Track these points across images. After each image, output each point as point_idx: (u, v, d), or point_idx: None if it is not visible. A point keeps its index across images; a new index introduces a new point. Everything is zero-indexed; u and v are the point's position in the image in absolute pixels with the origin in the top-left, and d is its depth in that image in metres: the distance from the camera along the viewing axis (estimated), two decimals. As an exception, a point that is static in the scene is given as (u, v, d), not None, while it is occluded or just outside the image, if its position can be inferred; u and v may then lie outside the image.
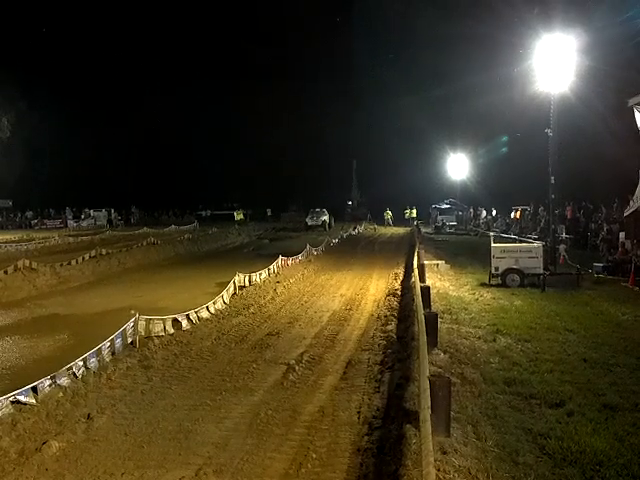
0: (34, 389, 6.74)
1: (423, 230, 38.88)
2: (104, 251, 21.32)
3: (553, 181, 16.81)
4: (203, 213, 57.34)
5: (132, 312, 9.50)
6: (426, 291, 10.42)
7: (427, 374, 5.56)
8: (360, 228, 43.06)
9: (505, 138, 42.41)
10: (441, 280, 15.73)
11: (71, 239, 29.87)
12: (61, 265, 17.95)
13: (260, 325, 11.19)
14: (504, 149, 42.67)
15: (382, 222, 48.82)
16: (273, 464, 5.39)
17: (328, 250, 26.43)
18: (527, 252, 14.98)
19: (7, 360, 9.14)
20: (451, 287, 14.68)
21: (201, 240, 30.67)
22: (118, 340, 8.79)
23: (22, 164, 46.87)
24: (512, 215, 36.05)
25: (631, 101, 17.07)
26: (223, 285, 14.11)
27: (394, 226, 46.21)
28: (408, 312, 11.22)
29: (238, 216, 53.42)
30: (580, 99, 19.69)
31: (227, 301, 13.16)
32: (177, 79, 63.66)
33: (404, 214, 48.96)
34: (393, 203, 50.80)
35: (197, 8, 66.57)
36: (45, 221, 45.61)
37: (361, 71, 67.98)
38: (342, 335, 10.33)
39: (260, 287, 15.22)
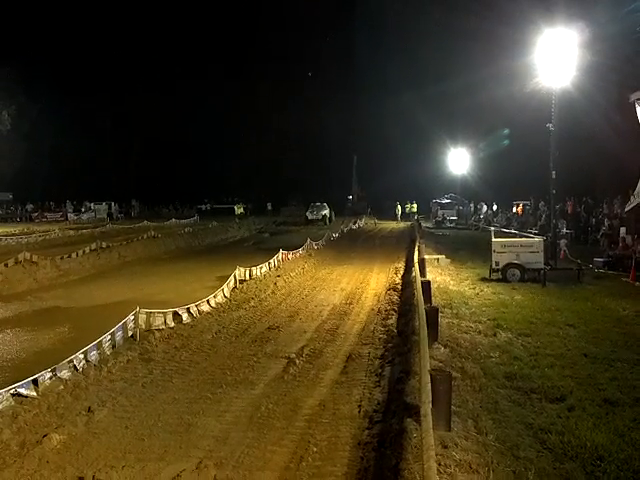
0: (35, 382, 6.75)
1: (424, 225, 38.85)
2: (104, 244, 21.32)
3: (554, 176, 16.77)
4: (203, 207, 57.25)
5: (131, 309, 9.46)
6: (427, 285, 10.41)
7: (428, 368, 5.55)
8: (360, 222, 43.05)
9: (506, 132, 42.27)
10: (441, 274, 15.72)
11: (72, 232, 29.86)
12: (61, 258, 17.94)
13: (261, 319, 11.20)
14: (505, 142, 42.50)
15: (385, 216, 48.84)
16: (274, 457, 5.40)
17: (328, 244, 26.42)
18: (528, 247, 14.97)
19: (8, 353, 9.15)
20: (451, 281, 14.66)
21: (201, 234, 30.66)
22: (119, 333, 8.80)
23: (22, 157, 46.80)
24: (513, 210, 36.02)
25: (633, 96, 17.01)
26: (224, 279, 14.11)
27: (400, 221, 46.00)
28: (409, 306, 11.20)
29: (238, 210, 53.39)
30: (582, 94, 19.63)
31: (228, 295, 13.16)
32: (178, 74, 63.37)
33: (405, 209, 49.02)
34: (393, 198, 50.81)
35: (196, 7, 66.30)
36: (45, 214, 45.54)
37: (362, 66, 67.72)
38: (343, 329, 10.34)
39: (261, 281, 15.21)
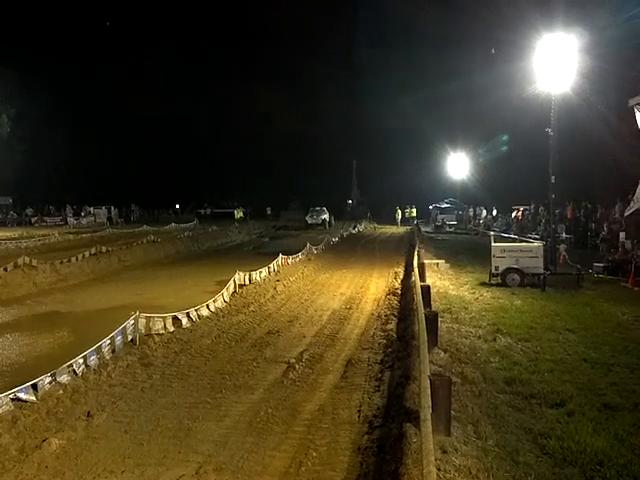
0: (34, 386, 6.74)
1: (423, 229, 38.87)
2: (104, 249, 21.28)
3: (553, 181, 16.80)
4: (203, 211, 57.31)
5: (131, 314, 9.45)
6: (426, 290, 10.41)
7: (427, 373, 5.55)
8: (360, 227, 43.07)
9: (505, 137, 42.37)
10: (441, 279, 15.72)
11: (71, 236, 29.84)
12: (61, 262, 17.91)
13: (260, 323, 11.19)
14: (504, 148, 42.61)
15: (384, 220, 48.89)
16: (273, 462, 5.39)
17: (328, 249, 26.42)
18: (527, 252, 14.97)
19: (7, 357, 9.13)
20: (451, 286, 14.67)
21: (201, 238, 30.64)
22: (118, 338, 8.78)
23: (22, 161, 46.78)
24: (512, 215, 36.05)
25: (632, 101, 17.05)
26: (223, 283, 14.10)
27: (400, 225, 45.97)
28: (408, 311, 11.21)
29: (238, 214, 53.45)
30: (581, 99, 19.68)
31: (227, 299, 13.15)
32: (178, 77, 63.66)
33: (404, 213, 49.07)
34: (393, 202, 50.92)
35: (196, 8, 66.59)
36: (45, 218, 45.47)
37: (361, 70, 68.03)
38: (342, 334, 10.32)
39: (260, 285, 15.20)
